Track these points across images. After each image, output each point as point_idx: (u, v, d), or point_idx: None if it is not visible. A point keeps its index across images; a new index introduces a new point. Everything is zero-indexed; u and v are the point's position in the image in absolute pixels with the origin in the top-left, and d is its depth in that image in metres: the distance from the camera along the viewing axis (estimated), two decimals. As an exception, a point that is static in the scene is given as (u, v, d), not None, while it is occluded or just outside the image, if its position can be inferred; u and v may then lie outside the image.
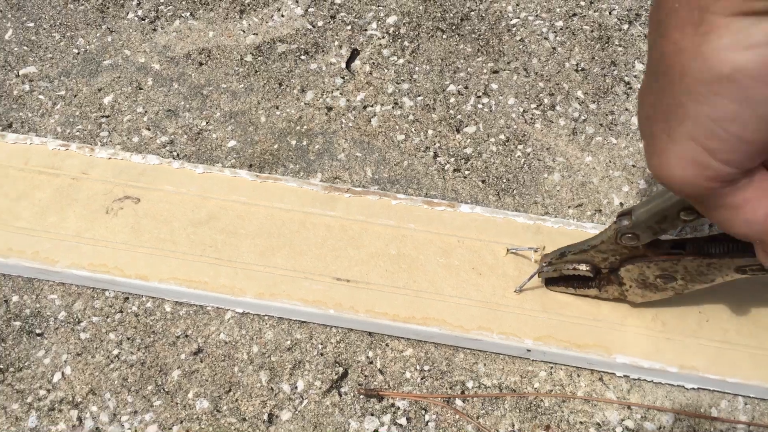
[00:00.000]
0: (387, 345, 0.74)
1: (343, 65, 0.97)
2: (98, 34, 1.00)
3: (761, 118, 0.38)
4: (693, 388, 0.71)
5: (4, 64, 0.96)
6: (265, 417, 0.70)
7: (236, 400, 0.71)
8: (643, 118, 0.47)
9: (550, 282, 0.74)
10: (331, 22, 1.02)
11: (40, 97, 0.93)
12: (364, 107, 0.93)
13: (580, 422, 0.69)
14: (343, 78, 0.96)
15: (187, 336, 0.75)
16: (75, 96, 0.93)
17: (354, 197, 0.82)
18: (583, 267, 0.70)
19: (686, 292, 0.67)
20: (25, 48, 0.98)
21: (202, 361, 0.73)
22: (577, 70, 0.96)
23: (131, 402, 0.70)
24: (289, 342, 0.74)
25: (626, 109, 0.92)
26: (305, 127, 0.91)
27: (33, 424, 0.69)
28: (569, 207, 0.83)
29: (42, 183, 0.83)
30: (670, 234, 0.66)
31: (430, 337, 0.73)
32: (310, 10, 1.03)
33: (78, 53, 0.97)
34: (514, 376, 0.72)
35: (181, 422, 0.69)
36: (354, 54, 0.98)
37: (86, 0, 1.03)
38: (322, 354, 0.74)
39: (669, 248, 0.65)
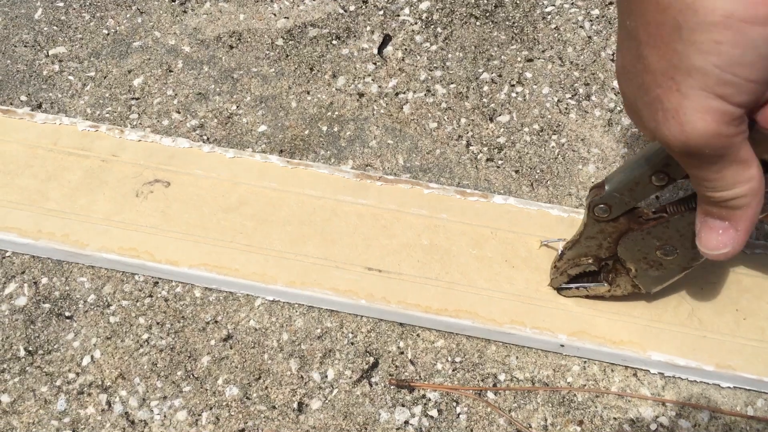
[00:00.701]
0: (418, 336, 0.73)
1: (375, 51, 0.96)
2: (128, 15, 0.99)
3: (764, 57, 0.39)
4: (729, 387, 0.70)
5: (33, 43, 0.95)
6: (295, 405, 0.69)
7: (266, 387, 0.70)
8: (633, 90, 0.47)
9: (563, 289, 0.73)
10: (363, 6, 1.00)
11: (70, 77, 0.92)
12: (396, 94, 0.92)
13: (614, 418, 0.68)
14: (375, 64, 0.94)
15: (216, 322, 0.74)
16: (105, 77, 0.92)
17: (386, 185, 0.81)
18: (584, 260, 0.68)
19: (694, 265, 0.65)
20: (54, 28, 0.97)
21: (231, 348, 0.73)
22: (613, 60, 0.94)
23: (160, 387, 0.70)
24: (319, 330, 0.74)
25: (663, 101, 0.90)
26: (336, 113, 0.90)
27: (62, 407, 0.69)
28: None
29: (71, 164, 0.82)
30: (644, 205, 0.64)
31: (462, 330, 0.72)
32: (341, -6, 1.01)
33: (108, 34, 0.97)
34: (546, 370, 0.71)
35: (211, 408, 0.69)
36: (386, 40, 0.97)
37: (116, -20, 1.02)
38: (352, 343, 0.73)
39: (651, 214, 0.64)
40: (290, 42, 0.96)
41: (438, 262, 0.76)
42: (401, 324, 0.74)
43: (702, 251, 0.54)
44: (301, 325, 0.74)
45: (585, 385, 0.70)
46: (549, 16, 0.99)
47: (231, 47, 0.96)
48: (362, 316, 0.74)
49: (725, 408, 0.69)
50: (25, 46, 0.95)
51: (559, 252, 0.70)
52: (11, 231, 0.76)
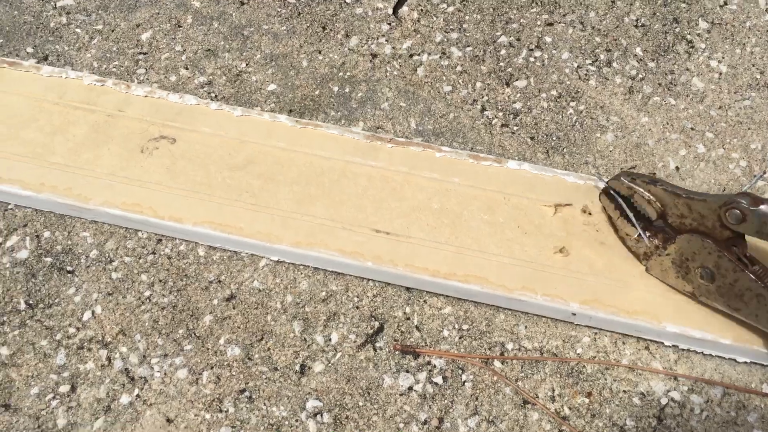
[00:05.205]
0: (425, 302, 0.71)
1: (390, 11, 0.93)
2: (138, -31, 0.96)
3: None
4: (745, 362, 0.68)
5: (41, -5, 0.93)
6: (298, 368, 0.68)
7: (268, 349, 0.69)
8: None
9: (608, 195, 0.71)
10: (379, -35, 0.97)
11: (77, 30, 0.90)
12: (411, 56, 0.89)
13: (624, 391, 0.66)
14: (389, 24, 0.92)
15: (220, 282, 0.72)
16: (112, 31, 0.90)
17: (397, 148, 0.79)
18: (657, 204, 0.66)
19: (701, 299, 0.66)
20: (63, -20, 0.95)
21: (234, 308, 0.71)
22: (636, 26, 0.91)
23: (161, 345, 0.69)
24: (324, 293, 0.72)
25: (687, 69, 0.87)
26: (348, 73, 0.87)
27: (61, 361, 0.68)
28: (622, 168, 0.79)
29: (77, 119, 0.80)
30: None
31: (471, 296, 0.70)
32: (357, -48, 0.98)
33: (117, -13, 0.94)
34: (556, 340, 0.69)
35: (212, 368, 0.67)
36: (401, 0, 0.94)
37: (127, -67, 1.00)
38: (357, 307, 0.71)
39: (743, 253, 0.63)
40: (303, 0, 0.94)
41: (448, 226, 0.73)
42: (408, 289, 0.72)
43: None
44: (305, 287, 0.72)
45: (595, 357, 0.68)
46: (571, -20, 0.95)
47: (242, 3, 0.93)
48: (368, 280, 0.72)
49: (740, 384, 0.67)
50: (32, -3, 0.93)
51: (650, 176, 0.68)
52: (14, 183, 0.75)
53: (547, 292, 0.69)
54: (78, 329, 0.69)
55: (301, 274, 0.73)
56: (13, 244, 0.74)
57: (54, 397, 0.66)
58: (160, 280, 0.72)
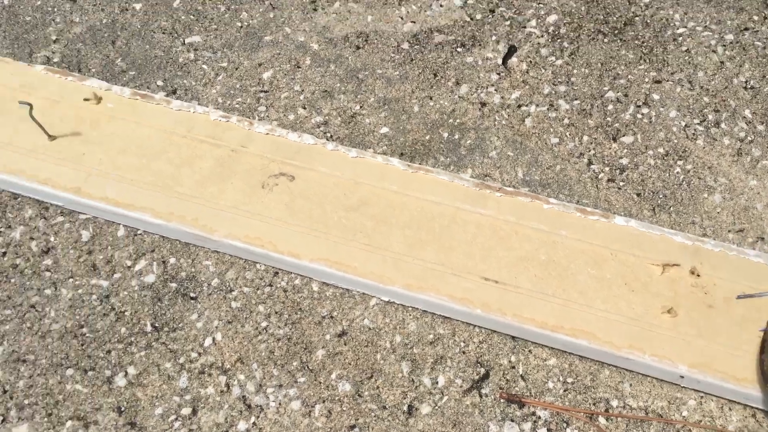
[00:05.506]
0: (530, 351, 0.73)
1: (500, 61, 0.96)
2: (261, 10, 1.02)
3: None
4: None
5: (171, 31, 0.99)
6: (405, 408, 0.70)
7: (377, 387, 0.71)
8: None
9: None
10: (490, 16, 1.00)
11: (204, 66, 0.96)
12: (519, 106, 0.91)
13: (728, 457, 0.67)
14: (498, 74, 0.95)
15: (332, 317, 0.76)
16: (236, 69, 0.95)
17: (505, 197, 0.82)
18: None
19: None
20: (191, 17, 1.01)
21: (345, 344, 0.74)
22: (746, 88, 0.91)
23: (277, 375, 0.72)
24: (431, 336, 0.74)
25: (797, 134, 0.87)
26: (458, 120, 0.90)
27: (184, 384, 0.72)
28: (729, 231, 0.80)
29: (203, 152, 0.85)
30: None
31: (578, 350, 0.72)
32: (469, 1, 1.02)
33: (241, 26, 1.00)
34: (661, 400, 0.70)
35: (324, 402, 0.71)
36: (511, 51, 0.97)
37: (251, -25, 1.06)
38: (464, 352, 0.73)
39: None
40: (416, 46, 0.97)
41: (555, 278, 0.75)
42: (513, 338, 0.74)
43: None
44: (414, 328, 0.75)
45: (701, 421, 0.69)
46: (680, 38, 0.97)
47: (357, 47, 0.97)
48: (475, 326, 0.75)
49: None
50: (163, 32, 0.99)
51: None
52: (146, 211, 0.80)
53: (655, 353, 0.70)
54: (199, 354, 0.74)
55: (410, 315, 0.76)
56: (142, 268, 0.79)
57: (176, 419, 0.70)
58: (276, 312, 0.76)
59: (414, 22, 1.00)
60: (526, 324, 0.73)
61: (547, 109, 0.91)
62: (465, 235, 0.79)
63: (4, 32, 0.98)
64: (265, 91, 0.93)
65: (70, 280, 0.78)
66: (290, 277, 0.78)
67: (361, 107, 0.92)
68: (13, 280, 0.78)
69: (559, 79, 0.94)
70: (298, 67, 0.96)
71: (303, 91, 0.93)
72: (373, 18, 1.00)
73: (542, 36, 0.98)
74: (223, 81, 0.94)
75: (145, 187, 0.82)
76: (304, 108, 0.92)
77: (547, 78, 0.94)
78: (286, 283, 0.78)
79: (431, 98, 0.92)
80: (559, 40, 0.97)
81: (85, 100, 0.89)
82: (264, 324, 0.75)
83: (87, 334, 0.74)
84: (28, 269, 0.78)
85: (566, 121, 0.90)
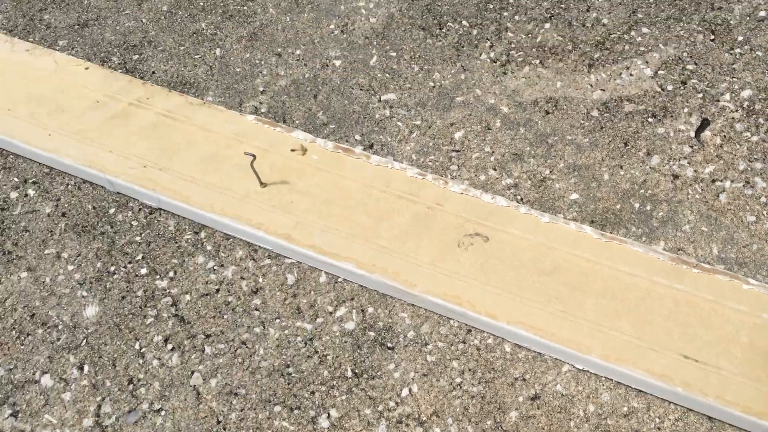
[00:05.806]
0: (730, 435, 0.72)
1: (692, 134, 0.96)
2: (453, 71, 1.06)
3: None
4: None
5: (368, 88, 1.05)
6: (601, 480, 0.71)
7: (572, 455, 0.72)
8: None
9: None
10: (682, 87, 1.01)
11: (399, 123, 1.01)
12: (713, 181, 0.91)
13: None
14: (691, 147, 0.95)
15: (525, 380, 0.78)
16: (429, 127, 1.00)
17: (702, 274, 0.81)
18: None
19: None
20: (387, 75, 1.07)
21: (538, 408, 0.76)
22: None
23: (471, 433, 0.75)
24: (626, 408, 0.75)
25: None
26: (649, 191, 0.91)
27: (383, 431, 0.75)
28: None
29: (400, 207, 0.90)
30: None
31: (784, 440, 0.70)
32: (660, 72, 1.03)
33: (434, 86, 1.05)
34: None
35: (518, 464, 0.72)
36: (704, 124, 0.96)
37: (444, 37, 1.11)
38: (659, 428, 0.73)
39: None
40: (605, 114, 0.99)
41: (759, 364, 0.74)
42: (710, 418, 0.73)
43: None
44: (607, 399, 0.76)
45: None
46: None
47: (547, 112, 1.00)
48: (670, 403, 0.75)
49: None
50: (361, 89, 1.05)
51: None
52: (350, 261, 0.85)
53: None
54: (397, 404, 0.77)
55: (603, 385, 0.76)
56: (342, 314, 0.84)
57: (377, 465, 0.73)
58: (470, 369, 0.79)
59: (603, 90, 1.01)
60: (728, 407, 0.72)
61: (743, 185, 0.90)
62: (661, 309, 0.79)
63: (217, 81, 1.07)
64: (457, 151, 0.97)
65: (277, 320, 0.83)
66: (483, 336, 0.81)
67: (550, 172, 0.94)
68: (225, 316, 0.84)
69: (755, 156, 0.93)
70: (489, 128, 0.99)
71: (493, 152, 0.97)
72: (562, 84, 1.03)
73: (737, 111, 0.97)
74: (416, 138, 0.99)
75: (348, 238, 0.87)
76: (495, 169, 0.95)
77: (742, 154, 0.93)
78: (479, 342, 0.81)
79: (621, 167, 0.93)
80: (754, 116, 0.96)
81: (292, 150, 0.95)
82: (458, 380, 0.78)
83: (293, 374, 0.79)
84: (239, 307, 0.85)
85: (763, 199, 0.89)
